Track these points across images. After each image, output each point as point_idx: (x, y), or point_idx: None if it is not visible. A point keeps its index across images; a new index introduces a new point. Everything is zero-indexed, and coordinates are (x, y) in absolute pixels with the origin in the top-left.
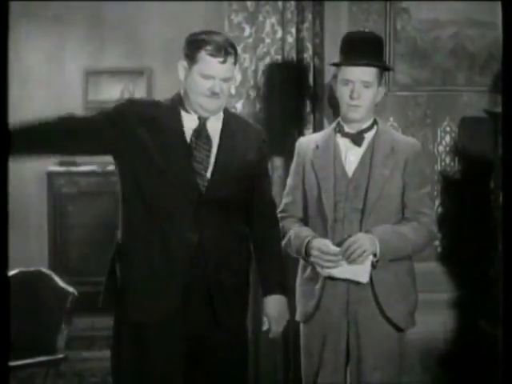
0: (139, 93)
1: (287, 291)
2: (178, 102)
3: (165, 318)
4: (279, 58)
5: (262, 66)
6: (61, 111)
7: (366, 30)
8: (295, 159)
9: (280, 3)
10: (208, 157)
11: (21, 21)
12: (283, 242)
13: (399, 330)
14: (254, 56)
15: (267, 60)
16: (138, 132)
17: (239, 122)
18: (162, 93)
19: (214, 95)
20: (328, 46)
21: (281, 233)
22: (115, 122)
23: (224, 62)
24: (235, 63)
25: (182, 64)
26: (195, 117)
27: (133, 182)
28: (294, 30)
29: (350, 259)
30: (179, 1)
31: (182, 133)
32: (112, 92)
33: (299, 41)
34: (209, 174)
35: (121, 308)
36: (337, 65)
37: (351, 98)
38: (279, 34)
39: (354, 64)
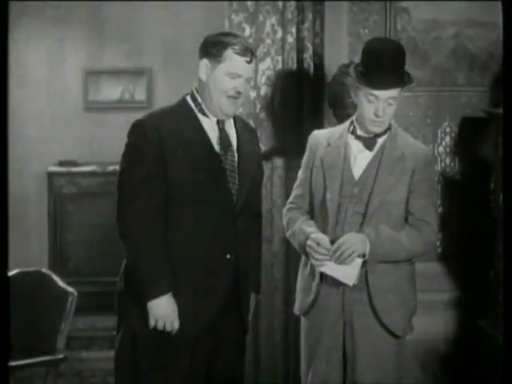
0: (139, 93)
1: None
2: (194, 106)
3: (201, 331)
4: (279, 58)
5: (262, 67)
6: (61, 111)
7: (365, 31)
8: (307, 153)
9: (280, 3)
10: (234, 166)
11: (21, 21)
12: (287, 234)
13: (395, 336)
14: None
15: (267, 60)
16: (170, 148)
17: (243, 124)
18: (162, 93)
19: (237, 95)
20: (328, 46)
21: (286, 224)
22: (156, 155)
23: (250, 61)
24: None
25: (205, 63)
26: (214, 121)
27: (165, 201)
28: (294, 30)
29: (340, 260)
30: (179, 1)
31: (210, 143)
32: (112, 92)
33: (299, 41)
34: (237, 184)
35: (146, 321)
36: (365, 85)
37: (376, 115)
38: (279, 34)
39: (384, 89)
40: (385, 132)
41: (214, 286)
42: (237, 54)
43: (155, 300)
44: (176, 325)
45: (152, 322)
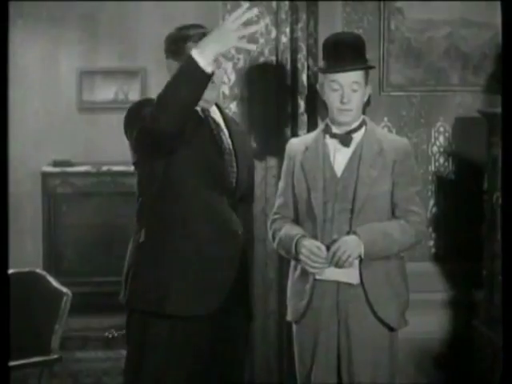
0: (133, 93)
1: None
2: None
3: (210, 312)
4: (273, 58)
5: (256, 67)
6: (55, 111)
7: (359, 31)
8: (285, 161)
9: (274, 3)
10: (230, 149)
11: (15, 21)
12: (274, 243)
13: (391, 329)
14: (248, 56)
15: (261, 60)
16: None
17: (228, 116)
18: (156, 93)
19: (211, 83)
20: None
21: (272, 234)
22: None
23: None
24: None
25: (169, 63)
26: (199, 109)
27: (168, 180)
28: (288, 31)
29: (338, 265)
30: (174, 1)
31: (210, 126)
32: (106, 92)
33: (293, 41)
34: (236, 168)
35: (157, 303)
36: (325, 72)
37: (342, 102)
38: (273, 35)
39: (341, 71)
40: (360, 127)
41: (222, 264)
42: (196, 43)
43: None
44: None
45: None
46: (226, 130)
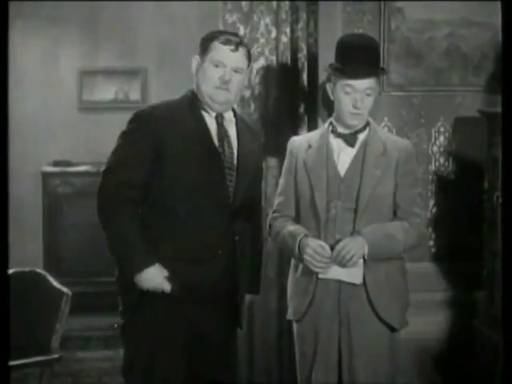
0: (134, 93)
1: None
2: (195, 100)
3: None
4: (273, 58)
5: (256, 66)
6: (55, 111)
7: (360, 31)
8: (287, 158)
9: (274, 3)
10: (232, 163)
11: (16, 21)
12: (276, 241)
13: (392, 329)
14: None
15: (261, 60)
16: (169, 140)
17: (245, 124)
18: (157, 93)
19: (223, 84)
20: (322, 46)
21: (272, 233)
22: (150, 138)
23: (235, 50)
24: (248, 58)
25: (196, 58)
26: (213, 115)
27: (161, 191)
28: (288, 30)
29: (341, 264)
30: (174, 0)
31: (210, 138)
32: (106, 92)
33: (293, 41)
34: (235, 181)
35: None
36: (341, 77)
37: (355, 107)
38: (273, 34)
39: (359, 77)
40: (364, 128)
41: (201, 280)
42: (221, 43)
43: (141, 273)
44: (167, 287)
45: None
46: (234, 142)
